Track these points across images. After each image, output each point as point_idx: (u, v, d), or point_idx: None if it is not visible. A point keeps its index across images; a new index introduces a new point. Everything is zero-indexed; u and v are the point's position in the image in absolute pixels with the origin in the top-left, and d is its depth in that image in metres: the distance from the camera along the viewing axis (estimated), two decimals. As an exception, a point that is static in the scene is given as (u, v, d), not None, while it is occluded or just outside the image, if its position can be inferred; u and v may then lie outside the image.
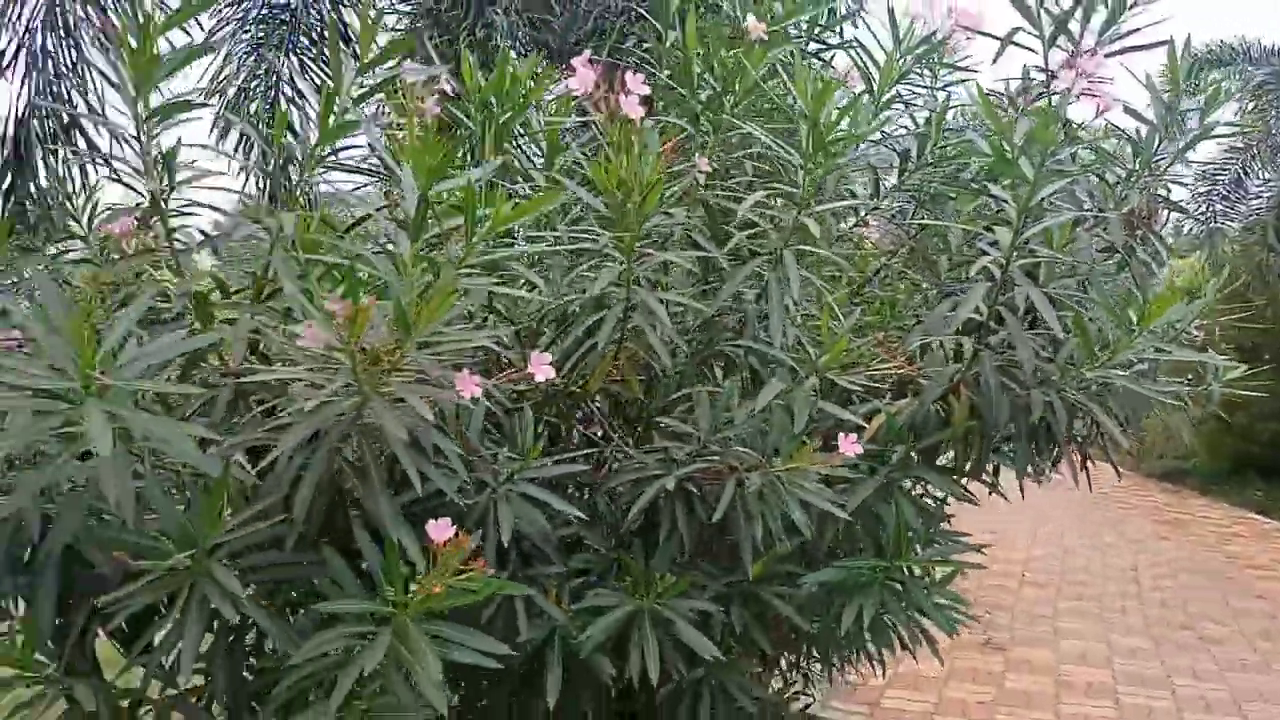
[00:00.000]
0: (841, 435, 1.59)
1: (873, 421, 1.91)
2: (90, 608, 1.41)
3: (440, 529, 1.22)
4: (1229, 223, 10.14)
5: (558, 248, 1.57)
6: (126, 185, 2.33)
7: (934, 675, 5.23)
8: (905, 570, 2.15)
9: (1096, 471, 2.62)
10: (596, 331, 1.61)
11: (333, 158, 1.54)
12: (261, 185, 4.46)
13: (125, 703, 1.45)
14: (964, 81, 2.78)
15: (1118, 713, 4.78)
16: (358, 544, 1.46)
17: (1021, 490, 2.47)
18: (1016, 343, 1.97)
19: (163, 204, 1.48)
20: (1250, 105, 10.60)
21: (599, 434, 2.03)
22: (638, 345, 1.73)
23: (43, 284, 1.23)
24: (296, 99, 4.78)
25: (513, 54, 4.56)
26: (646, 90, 1.58)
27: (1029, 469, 2.43)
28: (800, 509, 1.62)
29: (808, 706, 2.79)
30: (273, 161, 4.66)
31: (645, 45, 4.67)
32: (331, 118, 1.52)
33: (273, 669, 1.57)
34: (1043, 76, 2.42)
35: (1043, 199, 2.00)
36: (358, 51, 4.57)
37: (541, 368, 1.38)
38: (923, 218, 2.64)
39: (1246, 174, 9.84)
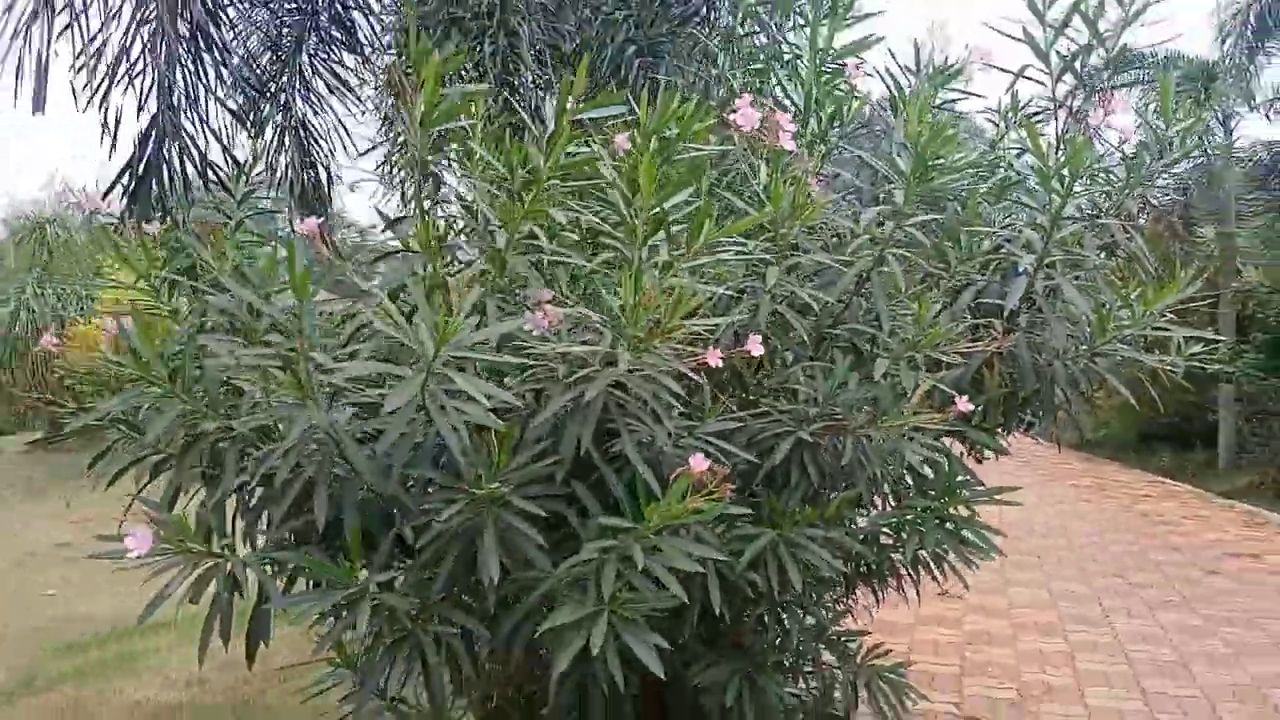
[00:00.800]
0: (957, 397, 2.07)
1: (919, 389, 2.39)
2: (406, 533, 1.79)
3: (699, 461, 1.64)
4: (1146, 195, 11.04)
5: (739, 256, 1.98)
6: (228, 191, 2.65)
7: (904, 622, 5.84)
8: (950, 509, 2.65)
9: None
10: (755, 316, 2.04)
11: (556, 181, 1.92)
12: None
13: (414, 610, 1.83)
14: (959, 101, 3.29)
15: (1069, 647, 5.45)
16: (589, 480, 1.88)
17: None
18: (1052, 324, 2.47)
19: (426, 213, 1.85)
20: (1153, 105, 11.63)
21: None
22: (771, 329, 2.17)
23: (407, 278, 1.61)
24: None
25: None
26: (794, 128, 2.02)
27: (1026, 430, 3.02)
28: (914, 458, 2.09)
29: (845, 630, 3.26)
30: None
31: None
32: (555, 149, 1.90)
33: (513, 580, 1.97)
34: (1047, 104, 2.97)
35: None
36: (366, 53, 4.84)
37: (756, 346, 1.81)
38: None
39: (1164, 148, 10.71)
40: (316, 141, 5.14)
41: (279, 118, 4.74)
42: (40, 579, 7.72)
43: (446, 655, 1.88)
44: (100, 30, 2.59)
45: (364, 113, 5.49)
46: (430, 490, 1.78)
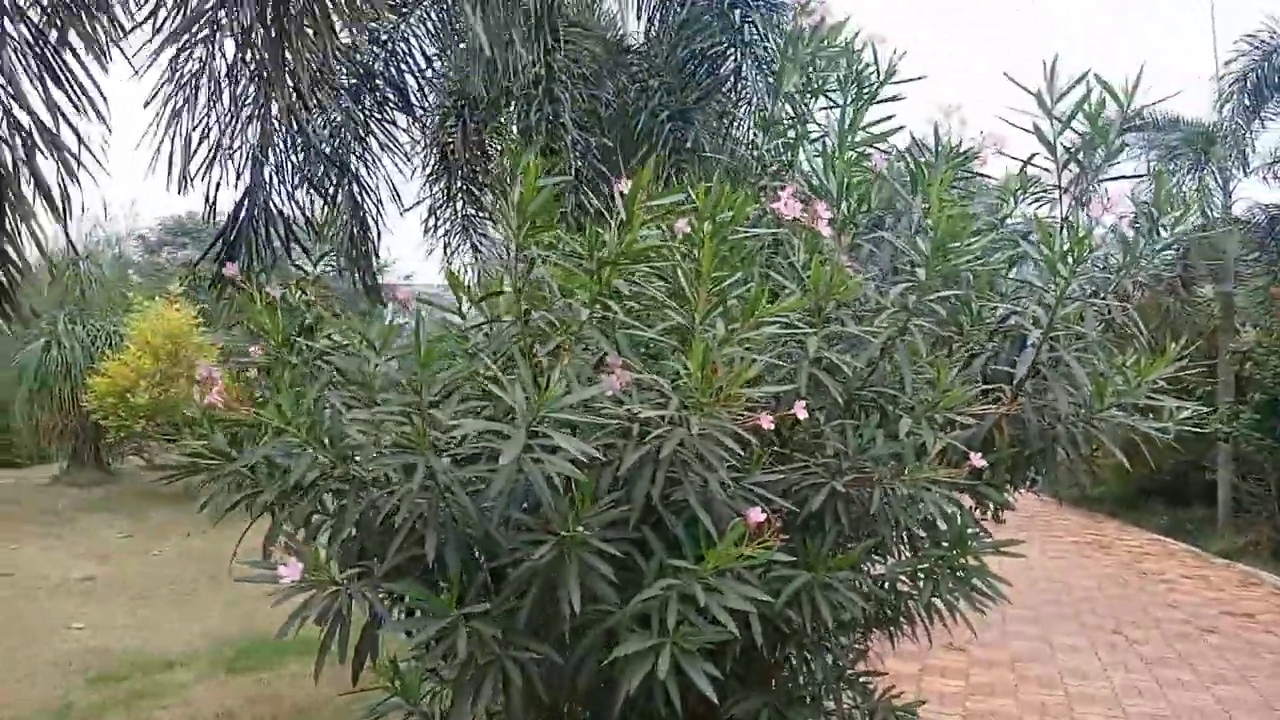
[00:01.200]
0: (972, 454, 2.35)
1: (938, 446, 2.67)
2: (488, 569, 2.05)
3: (756, 514, 1.91)
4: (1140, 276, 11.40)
5: (780, 330, 2.28)
6: (298, 267, 2.96)
7: (910, 673, 6.04)
8: (962, 559, 2.91)
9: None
10: (796, 380, 2.33)
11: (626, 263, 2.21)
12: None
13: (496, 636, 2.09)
14: (969, 177, 3.60)
15: (1067, 699, 5.66)
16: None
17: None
18: (1057, 392, 2.76)
19: (520, 293, 2.15)
20: (1156, 165, 12.10)
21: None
22: (808, 391, 2.45)
23: (511, 345, 1.90)
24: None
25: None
26: (830, 214, 2.33)
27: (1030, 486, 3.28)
28: (933, 509, 2.36)
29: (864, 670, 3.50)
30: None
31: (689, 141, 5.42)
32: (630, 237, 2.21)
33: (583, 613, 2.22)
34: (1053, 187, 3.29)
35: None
36: (415, 113, 5.21)
37: (800, 410, 2.10)
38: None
39: (1158, 231, 11.09)
40: (367, 194, 5.49)
41: (333, 175, 5.09)
42: (67, 612, 7.91)
43: (524, 680, 2.13)
44: (205, 115, 2.94)
45: (414, 171, 5.87)
46: (518, 531, 2.05)
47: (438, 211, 6.59)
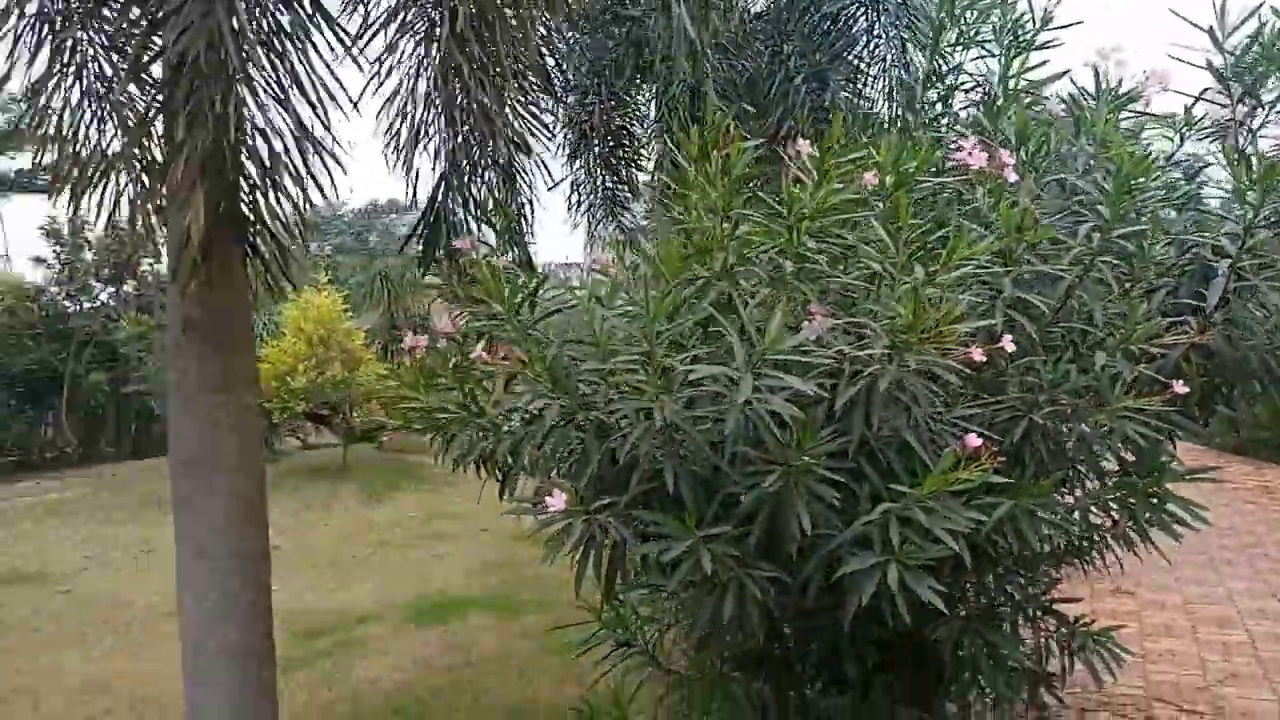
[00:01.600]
0: (1176, 382, 2.42)
1: (1134, 378, 2.71)
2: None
3: (972, 440, 2.06)
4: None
5: (978, 270, 2.40)
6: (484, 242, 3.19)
7: (1079, 615, 6.02)
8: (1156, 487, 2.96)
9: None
10: (993, 317, 2.46)
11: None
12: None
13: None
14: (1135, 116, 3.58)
15: (1249, 637, 5.55)
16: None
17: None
18: (1250, 321, 2.78)
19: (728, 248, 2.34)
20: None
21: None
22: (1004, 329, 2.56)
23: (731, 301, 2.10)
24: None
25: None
26: (1013, 161, 2.42)
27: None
28: (1134, 439, 2.45)
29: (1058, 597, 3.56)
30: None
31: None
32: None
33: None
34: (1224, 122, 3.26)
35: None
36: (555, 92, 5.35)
37: (1008, 344, 2.23)
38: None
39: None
40: (522, 176, 5.79)
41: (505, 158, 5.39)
42: (262, 577, 8.68)
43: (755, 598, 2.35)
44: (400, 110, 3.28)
45: (558, 149, 6.15)
46: (745, 464, 2.26)
47: (580, 188, 6.86)
